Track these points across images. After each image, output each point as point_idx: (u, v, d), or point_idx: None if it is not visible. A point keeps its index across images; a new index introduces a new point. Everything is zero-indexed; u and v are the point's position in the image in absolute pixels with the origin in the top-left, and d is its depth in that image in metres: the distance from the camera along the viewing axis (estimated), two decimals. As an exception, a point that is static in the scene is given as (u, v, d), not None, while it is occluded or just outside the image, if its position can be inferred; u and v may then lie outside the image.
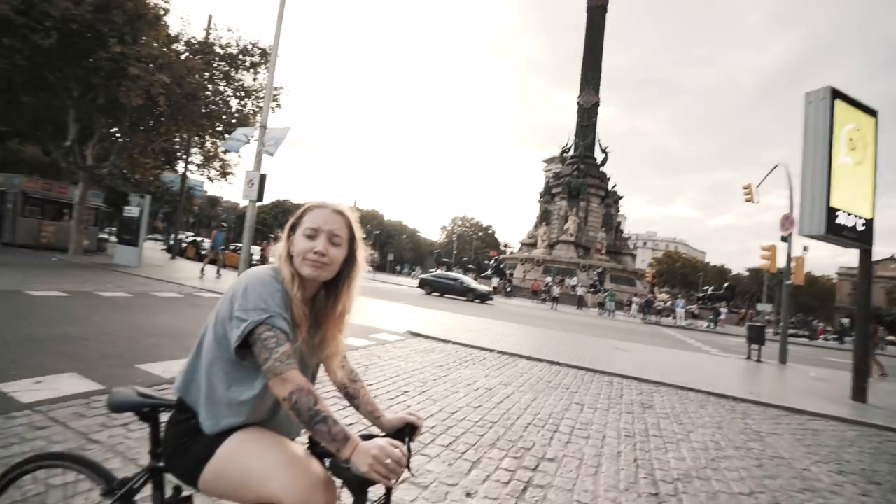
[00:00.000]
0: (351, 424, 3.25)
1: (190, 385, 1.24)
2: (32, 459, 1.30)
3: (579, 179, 38.44)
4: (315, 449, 1.26)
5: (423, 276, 24.23)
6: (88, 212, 17.54)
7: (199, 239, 26.02)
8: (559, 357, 7.51)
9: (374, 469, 1.04)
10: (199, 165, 22.45)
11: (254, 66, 16.56)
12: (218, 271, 15.68)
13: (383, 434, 1.36)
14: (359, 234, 1.32)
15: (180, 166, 23.05)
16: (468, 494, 2.58)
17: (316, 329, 1.31)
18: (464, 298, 22.41)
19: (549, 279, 31.43)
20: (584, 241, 37.29)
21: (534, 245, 39.67)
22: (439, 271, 29.37)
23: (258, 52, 16.47)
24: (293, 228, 1.28)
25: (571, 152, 41.68)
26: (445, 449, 3.16)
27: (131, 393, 1.32)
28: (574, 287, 31.61)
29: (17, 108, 14.76)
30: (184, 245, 24.61)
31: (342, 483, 1.14)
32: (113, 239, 22.76)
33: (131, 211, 15.54)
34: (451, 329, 9.54)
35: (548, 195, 40.29)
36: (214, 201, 63.21)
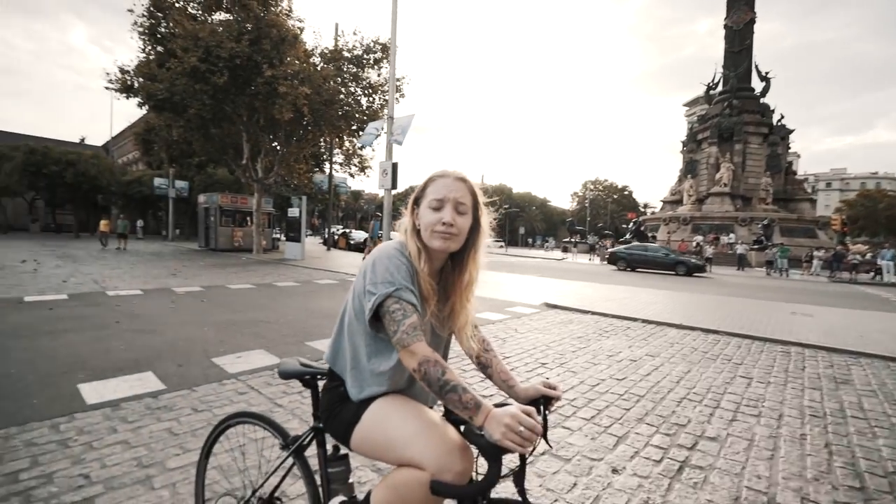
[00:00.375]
0: (490, 396, 3.32)
1: (337, 356, 1.35)
2: (233, 416, 1.58)
3: (732, 118, 32.45)
4: (451, 416, 1.28)
5: (614, 250, 20.88)
6: (263, 217, 21.03)
7: (347, 231, 29.26)
8: (717, 324, 6.63)
9: (507, 436, 1.02)
10: (341, 164, 25.01)
11: (377, 62, 17.70)
12: None
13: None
14: (482, 199, 1.31)
15: (326, 167, 26.02)
16: (614, 470, 2.44)
17: (445, 301, 1.33)
18: (670, 273, 18.67)
19: (698, 238, 27.75)
20: (741, 190, 31.79)
21: (678, 202, 35.25)
22: (634, 242, 25.46)
23: (379, 47, 17.54)
24: (417, 202, 1.29)
25: (720, 88, 35.47)
26: (588, 422, 3.03)
27: (295, 363, 1.50)
28: (732, 245, 27.37)
29: (209, 139, 18.36)
30: (336, 237, 27.88)
31: (477, 450, 1.15)
32: (282, 237, 26.90)
33: (293, 212, 18.13)
34: (590, 299, 9.10)
35: (692, 143, 35.16)
36: (357, 195, 69.98)
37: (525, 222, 73.31)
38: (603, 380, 3.95)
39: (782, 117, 33.01)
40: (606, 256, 25.13)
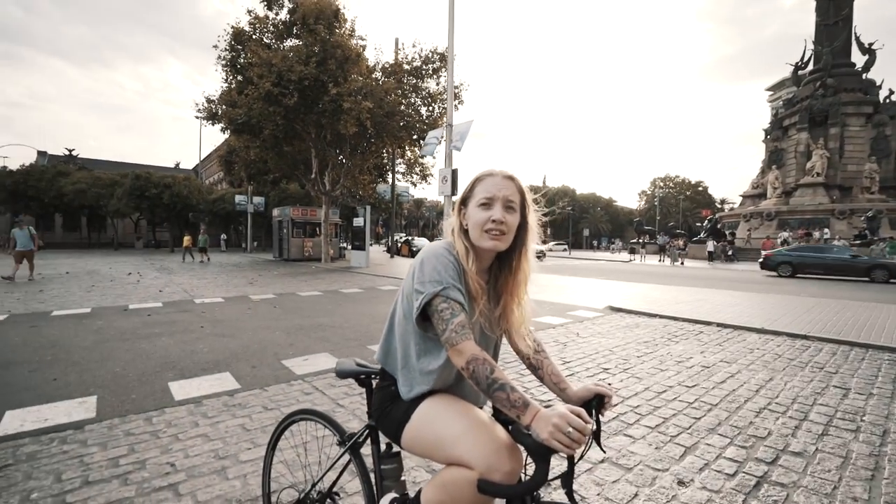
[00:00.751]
0: (549, 402, 3.24)
1: (387, 355, 1.37)
2: (296, 413, 1.67)
3: (826, 99, 28.81)
4: (499, 416, 1.27)
5: (772, 251, 16.43)
6: (331, 227, 22.04)
7: (409, 238, 29.93)
8: (807, 329, 5.98)
9: (555, 437, 1.00)
10: (403, 174, 25.65)
11: (435, 71, 18.05)
12: None
13: None
14: (529, 198, 1.30)
15: (389, 177, 26.83)
16: (681, 482, 2.28)
17: (496, 301, 1.32)
18: (860, 278, 14.24)
19: (785, 234, 25.14)
20: (838, 179, 28.31)
21: (761, 196, 32.20)
22: (801, 244, 20.29)
23: (437, 57, 17.88)
24: (464, 202, 1.29)
25: (810, 66, 31.87)
26: (652, 431, 2.87)
27: (351, 363, 1.56)
28: (827, 241, 24.52)
29: (282, 157, 19.65)
30: (399, 245, 28.61)
31: (525, 450, 1.13)
32: (349, 246, 28.07)
33: (358, 221, 18.87)
34: (658, 302, 8.60)
35: (777, 130, 31.99)
36: (420, 203, 71.56)
37: (589, 224, 70.84)
38: (671, 387, 3.73)
39: (892, 93, 28.73)
40: (722, 256, 22.52)
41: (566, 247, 44.23)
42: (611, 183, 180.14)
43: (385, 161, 25.45)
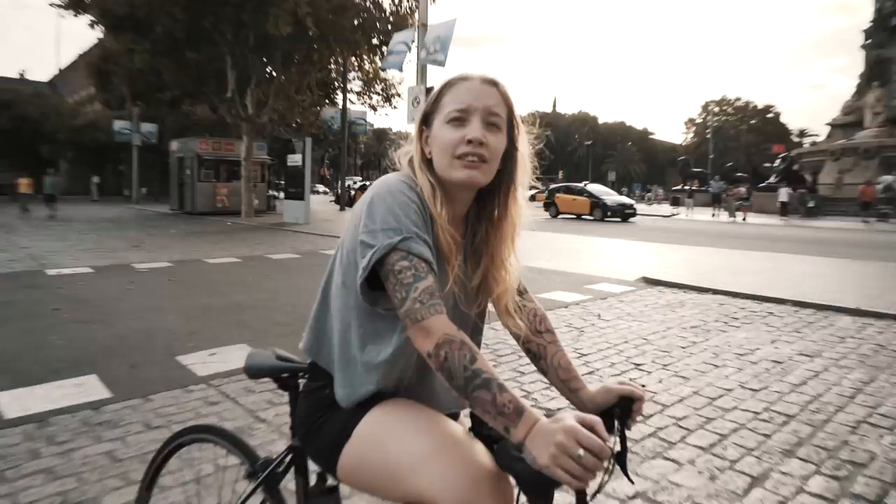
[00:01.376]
0: (555, 410, 3.19)
1: (319, 343, 1.33)
2: (187, 432, 1.59)
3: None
4: (480, 430, 1.23)
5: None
6: (255, 167, 21.71)
7: (367, 183, 29.60)
8: (919, 308, 6.12)
9: (559, 462, 0.94)
10: (359, 93, 25.16)
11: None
12: None
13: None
14: (518, 114, 1.31)
15: (339, 98, 26.26)
16: (746, 528, 2.25)
17: (473, 265, 1.33)
18: None
19: (889, 179, 25.61)
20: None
21: (856, 124, 32.67)
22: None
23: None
24: (428, 119, 1.28)
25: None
26: (704, 452, 2.86)
27: (269, 356, 1.48)
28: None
29: (184, 67, 19.19)
30: (353, 193, 28.29)
31: (516, 481, 1.09)
32: (280, 195, 27.69)
33: (294, 160, 18.73)
34: (710, 271, 8.73)
35: (881, 33, 32.08)
36: (381, 135, 70.53)
37: (617, 164, 71.74)
38: (729, 390, 3.76)
39: None
40: (800, 209, 21.69)
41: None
42: (647, 110, 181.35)
43: (333, 76, 24.90)
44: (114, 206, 28.37)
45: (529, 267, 9.34)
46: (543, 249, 12.02)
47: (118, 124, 30.70)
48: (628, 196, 35.46)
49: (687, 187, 39.96)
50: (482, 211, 1.33)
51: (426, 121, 1.29)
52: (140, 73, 21.20)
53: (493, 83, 1.26)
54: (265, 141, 24.59)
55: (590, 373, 4.01)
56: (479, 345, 1.38)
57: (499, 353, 4.36)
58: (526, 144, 1.32)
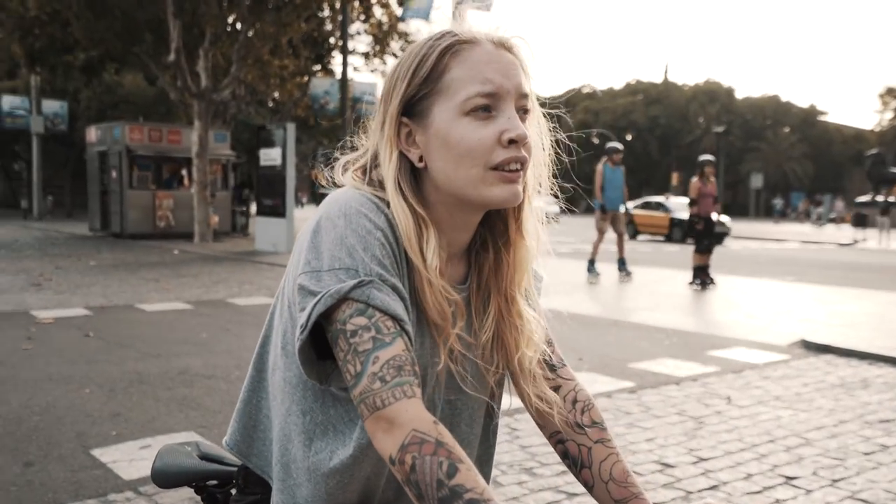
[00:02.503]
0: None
1: (251, 437, 1.39)
2: None
3: None
4: None
5: None
6: (214, 169, 22.00)
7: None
8: None
9: None
10: (366, 55, 25.43)
11: None
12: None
13: None
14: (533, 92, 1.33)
15: (334, 62, 26.66)
16: None
17: (481, 308, 1.37)
18: None
19: None
20: None
21: None
22: None
23: None
24: (417, 103, 1.27)
25: None
26: None
27: (188, 453, 1.53)
28: None
29: (103, 13, 19.47)
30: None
31: None
32: (250, 209, 28.06)
33: (270, 156, 18.78)
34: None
35: None
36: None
37: (765, 162, 70.43)
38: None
39: None
40: None
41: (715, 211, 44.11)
42: (814, 78, 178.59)
43: (328, 29, 25.16)
44: (5, 223, 29.07)
45: (615, 321, 9.35)
46: (633, 290, 11.94)
47: (8, 101, 31.47)
48: (784, 212, 35.22)
49: (881, 198, 39.00)
50: (489, 234, 1.37)
51: (414, 104, 1.28)
52: (37, 23, 21.19)
53: (510, 49, 1.28)
54: (227, 128, 24.83)
55: (710, 487, 3.97)
56: (489, 443, 1.42)
57: (533, 452, 4.38)
58: (546, 133, 1.36)
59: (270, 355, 1.34)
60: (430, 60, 1.25)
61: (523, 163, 1.24)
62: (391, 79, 1.30)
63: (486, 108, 1.21)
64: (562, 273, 14.09)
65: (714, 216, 13.41)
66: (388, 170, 1.27)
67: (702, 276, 13.12)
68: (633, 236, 27.27)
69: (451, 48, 1.24)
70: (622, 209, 14.08)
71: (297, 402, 1.27)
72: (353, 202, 1.21)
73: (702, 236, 13.26)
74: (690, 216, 13.73)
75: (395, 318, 1.14)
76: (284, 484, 1.30)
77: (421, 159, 1.27)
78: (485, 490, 1.05)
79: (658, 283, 13.61)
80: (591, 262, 13.90)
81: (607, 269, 14.31)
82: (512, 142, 1.21)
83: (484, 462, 1.44)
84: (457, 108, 1.22)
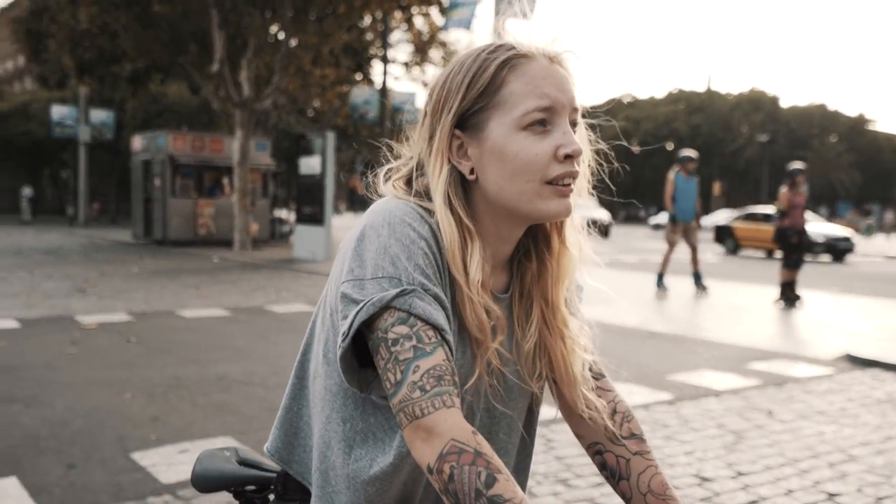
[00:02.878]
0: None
1: (292, 444, 1.40)
2: None
3: None
4: None
5: None
6: (254, 177, 22.20)
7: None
8: None
9: None
10: (406, 64, 25.51)
11: None
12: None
13: None
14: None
15: (376, 73, 26.79)
16: None
17: (523, 316, 1.38)
18: None
19: None
20: None
21: None
22: None
23: None
24: (465, 122, 1.28)
25: None
26: None
27: (228, 458, 1.53)
28: None
29: (150, 25, 19.89)
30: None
31: None
32: (290, 217, 28.23)
33: (310, 165, 18.96)
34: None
35: None
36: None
37: (811, 171, 69.14)
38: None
39: None
40: None
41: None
42: (862, 86, 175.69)
43: (368, 37, 25.31)
44: (52, 229, 29.59)
45: (651, 332, 9.25)
46: (678, 305, 11.84)
47: (58, 111, 31.89)
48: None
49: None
50: (532, 243, 1.38)
51: (468, 118, 1.28)
52: (87, 35, 21.60)
53: (561, 61, 1.28)
54: (268, 137, 25.07)
55: (750, 503, 3.94)
56: (527, 452, 1.42)
57: (568, 463, 4.36)
58: (586, 142, 1.36)
59: (311, 363, 1.35)
60: (488, 74, 1.25)
61: (576, 177, 1.25)
62: (441, 90, 1.30)
63: (542, 123, 1.22)
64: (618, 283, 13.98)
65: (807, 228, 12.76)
66: (438, 182, 1.27)
67: (788, 293, 12.41)
68: (734, 251, 26.26)
69: (508, 62, 1.25)
70: (693, 220, 13.55)
71: (337, 409, 1.28)
72: (397, 212, 1.22)
73: (793, 250, 12.56)
74: (781, 229, 12.83)
75: (437, 328, 1.15)
76: (323, 491, 1.31)
77: (472, 171, 1.27)
78: (523, 500, 1.05)
79: (685, 293, 13.41)
80: (660, 277, 13.44)
81: (679, 283, 13.76)
82: (568, 157, 1.22)
83: (521, 471, 1.44)
84: (514, 122, 1.23)
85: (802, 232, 12.65)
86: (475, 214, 1.28)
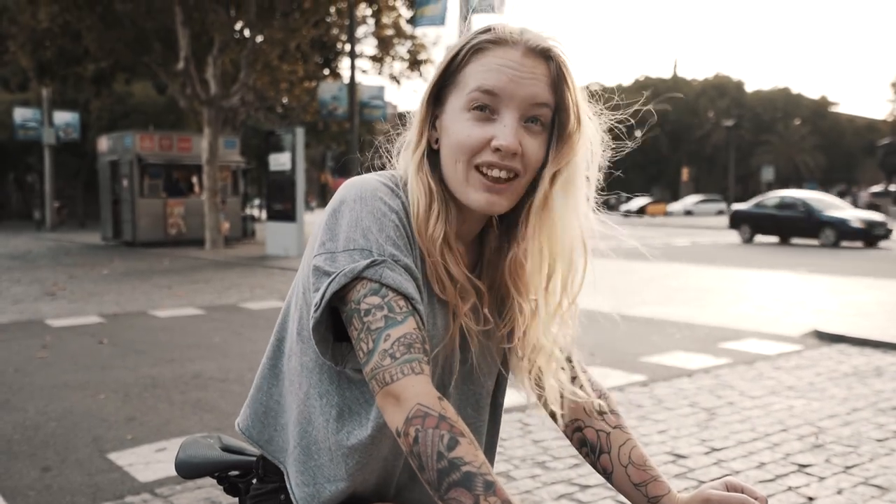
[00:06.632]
0: None
1: (264, 424, 1.41)
2: None
3: None
4: None
5: None
6: (223, 175, 22.06)
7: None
8: None
9: None
10: (374, 58, 25.41)
11: None
12: None
13: None
14: (583, 101, 1.31)
15: (343, 67, 26.65)
16: None
17: (495, 299, 1.38)
18: None
19: None
20: None
21: None
22: None
23: None
24: (440, 93, 1.31)
25: None
26: None
27: (211, 445, 1.55)
28: None
29: (113, 24, 19.64)
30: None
31: None
32: (260, 214, 28.10)
33: (280, 161, 18.94)
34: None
35: None
36: (405, 119, 71.72)
37: (776, 155, 70.01)
38: (948, 506, 3.69)
39: None
40: None
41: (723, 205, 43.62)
42: (824, 69, 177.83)
43: (334, 32, 25.16)
44: (19, 234, 29.21)
45: (624, 316, 9.29)
46: (650, 288, 11.93)
47: (21, 113, 31.45)
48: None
49: (894, 188, 38.87)
50: (507, 229, 1.37)
51: (439, 95, 1.31)
52: (48, 35, 21.19)
53: (545, 53, 1.26)
54: (237, 134, 24.91)
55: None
56: (494, 430, 1.44)
57: (545, 446, 4.39)
58: (598, 134, 1.33)
59: (287, 343, 1.37)
60: (459, 56, 1.28)
61: (511, 172, 1.24)
62: (436, 69, 1.35)
63: (482, 108, 1.23)
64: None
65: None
66: (415, 153, 1.31)
67: None
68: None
69: (477, 46, 1.26)
70: None
71: (314, 385, 1.29)
72: (369, 186, 1.25)
73: None
74: None
75: (407, 298, 1.17)
76: (305, 466, 1.33)
77: (437, 142, 1.31)
78: (483, 464, 1.07)
79: (667, 274, 13.50)
80: None
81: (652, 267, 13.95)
82: (496, 149, 1.21)
83: (488, 448, 1.46)
84: (462, 102, 1.25)
85: None
86: (442, 184, 1.30)
